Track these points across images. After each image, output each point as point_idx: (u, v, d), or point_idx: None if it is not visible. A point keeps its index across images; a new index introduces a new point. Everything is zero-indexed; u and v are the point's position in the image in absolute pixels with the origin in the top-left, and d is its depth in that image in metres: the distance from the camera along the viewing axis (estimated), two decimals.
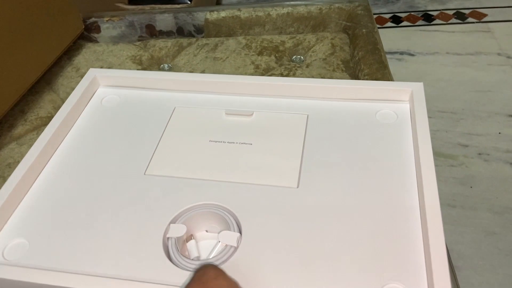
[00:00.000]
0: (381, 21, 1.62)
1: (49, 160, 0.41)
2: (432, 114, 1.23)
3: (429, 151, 0.36)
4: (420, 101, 0.41)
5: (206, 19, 0.73)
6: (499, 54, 1.42)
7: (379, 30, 1.64)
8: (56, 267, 0.32)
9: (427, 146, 0.36)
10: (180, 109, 0.45)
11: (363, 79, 0.63)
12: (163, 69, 0.69)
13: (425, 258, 0.30)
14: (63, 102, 0.63)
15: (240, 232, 0.33)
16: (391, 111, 0.42)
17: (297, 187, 0.36)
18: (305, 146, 0.39)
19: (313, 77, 0.64)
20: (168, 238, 0.33)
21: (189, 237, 0.35)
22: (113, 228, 0.34)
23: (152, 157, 0.40)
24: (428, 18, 1.61)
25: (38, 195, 0.38)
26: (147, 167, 0.39)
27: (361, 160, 0.38)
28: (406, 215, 0.33)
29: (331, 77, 0.64)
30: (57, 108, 0.62)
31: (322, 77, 0.64)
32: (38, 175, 0.39)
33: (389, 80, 0.61)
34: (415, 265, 0.30)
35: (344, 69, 0.67)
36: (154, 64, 0.69)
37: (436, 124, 1.21)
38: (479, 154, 1.13)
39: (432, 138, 1.20)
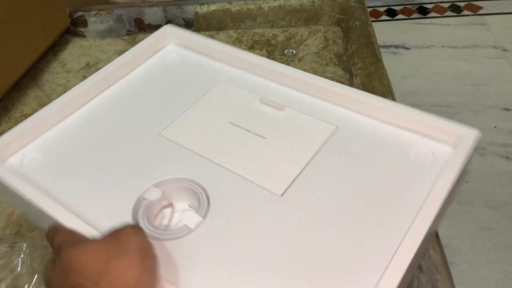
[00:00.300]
0: (376, 14, 1.61)
1: (92, 99, 0.43)
2: (427, 109, 1.22)
3: (437, 203, 0.31)
4: (464, 150, 0.34)
5: (196, 13, 0.71)
6: (494, 47, 1.41)
7: (374, 23, 1.62)
8: (50, 187, 0.36)
9: (438, 199, 0.31)
10: (222, 84, 0.44)
11: (356, 73, 0.62)
12: None
13: None
14: (49, 98, 0.61)
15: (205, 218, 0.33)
16: (428, 150, 0.36)
17: (281, 195, 0.34)
18: (314, 158, 0.36)
19: (305, 71, 0.63)
20: (143, 197, 0.34)
21: (169, 205, 0.36)
22: (107, 173, 0.37)
23: (172, 121, 0.41)
24: (423, 11, 1.60)
25: (71, 125, 0.41)
26: (163, 129, 0.40)
27: (367, 193, 0.34)
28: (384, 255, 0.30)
29: (323, 71, 0.63)
30: (42, 105, 0.60)
31: (314, 72, 0.63)
32: (77, 109, 0.43)
33: (383, 74, 0.60)
34: None
35: (337, 63, 0.65)
36: None
37: None
38: (475, 148, 1.12)
39: None
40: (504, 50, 1.39)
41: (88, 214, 0.33)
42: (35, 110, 0.60)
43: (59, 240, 0.29)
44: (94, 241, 0.27)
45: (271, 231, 0.32)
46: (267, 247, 0.31)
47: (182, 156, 0.37)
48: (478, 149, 1.13)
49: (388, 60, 1.41)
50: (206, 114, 0.41)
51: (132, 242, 0.26)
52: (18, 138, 0.39)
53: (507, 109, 1.20)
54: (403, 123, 0.38)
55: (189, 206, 0.36)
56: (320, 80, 0.41)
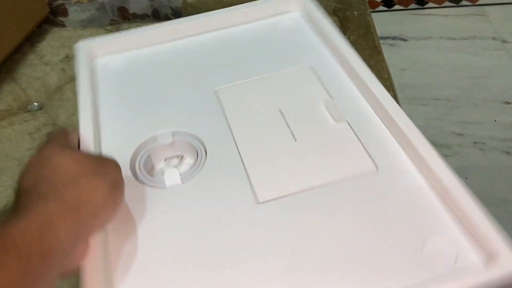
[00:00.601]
0: (372, 5, 1.57)
1: (193, 35, 0.45)
2: (425, 102, 1.19)
3: None
4: (494, 274, 0.25)
5: (184, 1, 0.67)
6: (494, 38, 1.38)
7: (371, 14, 1.58)
8: (106, 95, 0.40)
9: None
10: (304, 69, 0.41)
11: None
12: None
13: None
14: (25, 93, 0.57)
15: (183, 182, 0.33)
16: (454, 247, 0.28)
17: (259, 203, 0.31)
18: (326, 186, 0.31)
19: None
20: (155, 138, 0.36)
21: (180, 156, 0.37)
22: (148, 105, 0.39)
23: (233, 84, 0.40)
24: (421, 1, 1.56)
25: (159, 52, 0.44)
26: (220, 88, 0.40)
27: (353, 248, 0.28)
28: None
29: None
30: (18, 100, 0.56)
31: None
32: (172, 41, 0.45)
33: (383, 66, 0.56)
34: None
35: None
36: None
37: (430, 113, 1.16)
38: (474, 143, 1.09)
39: (425, 127, 1.16)
40: (504, 41, 1.36)
41: (106, 131, 0.37)
42: (10, 106, 0.56)
43: (51, 137, 0.30)
44: (80, 152, 0.29)
45: (230, 231, 0.29)
46: (215, 243, 0.29)
47: (214, 118, 0.37)
48: (478, 144, 1.10)
49: (386, 52, 1.37)
50: (264, 91, 0.39)
51: (111, 173, 0.28)
52: (117, 43, 0.45)
53: (508, 103, 1.17)
54: (447, 199, 0.30)
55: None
56: (397, 114, 0.34)
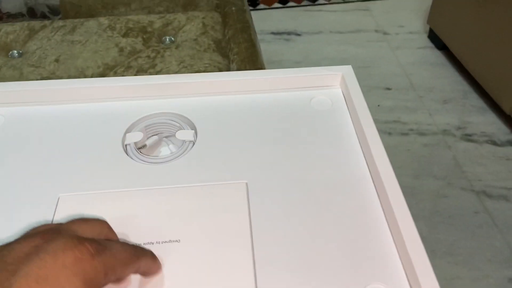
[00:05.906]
0: (269, 2, 1.64)
1: None
2: None
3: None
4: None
5: None
6: (376, 31, 1.51)
7: (267, 10, 1.65)
8: None
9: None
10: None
11: (232, 58, 0.62)
12: (12, 56, 0.61)
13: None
14: None
15: None
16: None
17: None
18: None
19: (181, 58, 0.61)
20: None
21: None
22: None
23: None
24: None
25: None
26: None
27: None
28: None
29: (201, 58, 0.62)
30: None
31: (191, 58, 0.62)
32: None
33: (257, 58, 0.61)
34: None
35: (215, 48, 0.64)
36: (0, 51, 0.60)
37: None
38: None
39: None
40: (385, 33, 1.50)
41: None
42: None
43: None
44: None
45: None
46: None
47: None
48: None
49: (281, 47, 1.45)
50: None
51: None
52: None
53: (388, 89, 1.30)
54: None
55: None
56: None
